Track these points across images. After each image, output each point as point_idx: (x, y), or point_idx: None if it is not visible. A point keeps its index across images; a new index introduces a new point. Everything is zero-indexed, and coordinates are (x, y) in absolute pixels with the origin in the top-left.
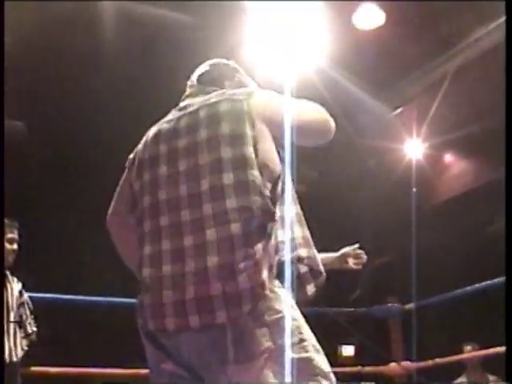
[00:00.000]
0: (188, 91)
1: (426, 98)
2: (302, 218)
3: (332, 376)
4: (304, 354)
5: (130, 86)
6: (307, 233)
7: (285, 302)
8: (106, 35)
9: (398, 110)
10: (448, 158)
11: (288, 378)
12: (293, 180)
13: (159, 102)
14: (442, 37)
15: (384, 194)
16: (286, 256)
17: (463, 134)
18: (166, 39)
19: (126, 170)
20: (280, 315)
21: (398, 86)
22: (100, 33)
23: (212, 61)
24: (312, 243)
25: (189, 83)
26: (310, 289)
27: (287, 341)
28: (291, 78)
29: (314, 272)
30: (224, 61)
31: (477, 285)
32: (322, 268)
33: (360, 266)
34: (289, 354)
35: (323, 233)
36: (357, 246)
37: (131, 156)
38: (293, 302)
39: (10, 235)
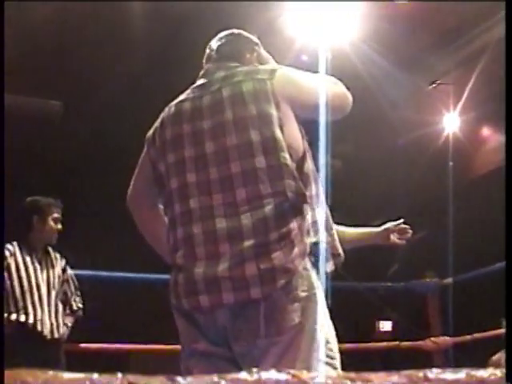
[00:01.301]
0: (207, 66)
1: (463, 71)
2: (323, 199)
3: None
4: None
5: (167, 64)
6: (327, 214)
7: (317, 280)
8: (139, 12)
9: (434, 84)
10: (485, 131)
11: (313, 357)
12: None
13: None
14: (479, 9)
15: (421, 168)
16: (317, 237)
17: (500, 107)
18: (205, 14)
19: (146, 149)
20: (312, 291)
21: (433, 60)
22: (134, 11)
23: (231, 31)
24: (331, 225)
25: (207, 54)
26: (329, 267)
27: (318, 318)
28: (326, 50)
29: (333, 253)
30: (244, 33)
31: None
32: (340, 250)
33: (404, 242)
34: (319, 334)
35: (360, 207)
36: (401, 221)
37: (149, 134)
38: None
39: (55, 215)
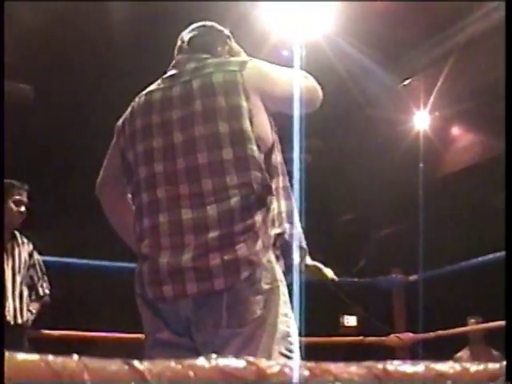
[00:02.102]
0: (178, 57)
1: (434, 70)
2: (290, 192)
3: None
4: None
5: (139, 53)
6: (292, 207)
7: (280, 273)
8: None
9: (406, 82)
10: (455, 130)
11: (273, 350)
12: (286, 156)
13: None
14: (451, 10)
15: (391, 164)
16: (282, 228)
17: (470, 107)
18: (177, 8)
19: (115, 138)
20: (276, 284)
21: (406, 58)
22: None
23: (204, 23)
24: (297, 217)
25: (178, 45)
26: (294, 260)
27: (280, 311)
28: (301, 45)
29: (296, 245)
30: (217, 25)
31: (480, 258)
32: (303, 243)
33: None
34: (280, 327)
35: (329, 203)
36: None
37: (119, 123)
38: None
39: (17, 197)
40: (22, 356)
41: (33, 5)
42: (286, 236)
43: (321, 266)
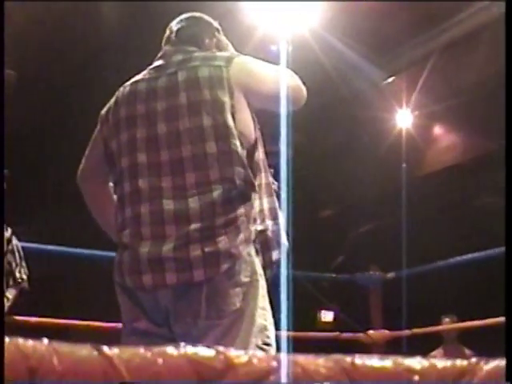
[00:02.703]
0: (165, 48)
1: (417, 69)
2: (271, 188)
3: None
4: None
5: (125, 41)
6: (275, 204)
7: (259, 267)
8: None
9: (389, 80)
10: (437, 129)
11: (250, 342)
12: (268, 149)
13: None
14: (434, 11)
15: (372, 162)
16: (264, 225)
17: (453, 106)
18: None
19: (99, 126)
20: (255, 277)
21: (389, 56)
22: None
23: (193, 14)
24: (278, 214)
25: (166, 36)
26: (275, 255)
27: (258, 304)
28: (286, 39)
29: (278, 241)
30: (206, 17)
31: (458, 257)
32: (284, 239)
33: None
34: (258, 320)
35: (311, 198)
36: None
37: (103, 112)
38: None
39: None
40: None
41: None
42: (269, 233)
43: None
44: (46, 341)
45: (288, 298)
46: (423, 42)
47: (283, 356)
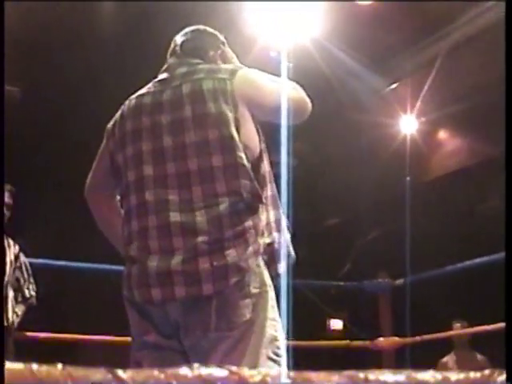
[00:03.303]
0: (170, 61)
1: (421, 74)
2: (277, 199)
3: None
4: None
5: (126, 58)
6: (280, 216)
7: (268, 278)
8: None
9: (393, 86)
10: (442, 134)
11: (261, 353)
12: (271, 160)
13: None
14: (437, 14)
15: (377, 169)
16: (271, 237)
17: (457, 112)
18: (165, 10)
19: (105, 141)
20: (264, 289)
21: (392, 62)
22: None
23: (197, 27)
24: (284, 225)
25: (171, 49)
26: (281, 267)
27: (268, 315)
28: (288, 48)
29: (284, 253)
30: (210, 30)
31: (467, 262)
32: (291, 251)
33: None
34: (268, 331)
35: (315, 206)
36: None
37: (109, 126)
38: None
39: None
40: (7, 365)
41: (17, 6)
42: (276, 245)
43: None
44: (60, 365)
45: (295, 308)
46: (427, 46)
47: (297, 373)
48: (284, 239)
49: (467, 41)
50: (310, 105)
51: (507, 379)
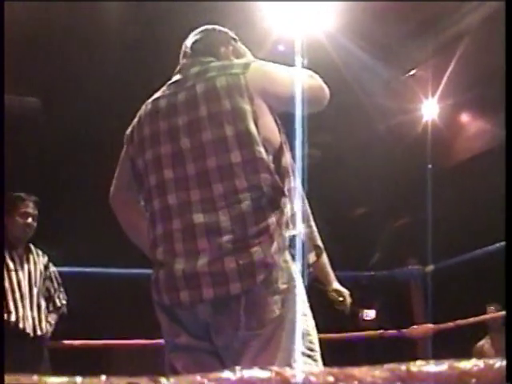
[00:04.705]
0: (182, 62)
1: (441, 58)
2: (302, 192)
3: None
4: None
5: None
6: (305, 206)
7: (296, 272)
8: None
9: (412, 72)
10: (464, 118)
11: (294, 349)
12: (292, 152)
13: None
14: None
15: (400, 156)
16: (296, 230)
17: (478, 95)
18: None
19: (125, 147)
20: (292, 283)
21: (411, 48)
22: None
23: (206, 27)
24: (310, 217)
25: (183, 51)
26: (311, 257)
27: (298, 310)
28: (302, 41)
29: (312, 244)
30: (219, 27)
31: (497, 244)
32: (319, 241)
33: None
34: (299, 326)
35: (339, 197)
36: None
37: (128, 132)
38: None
39: (22, 209)
40: (51, 380)
41: (34, 17)
42: (302, 237)
43: (346, 293)
44: (103, 377)
45: (324, 300)
46: (444, 29)
47: (338, 370)
48: (311, 230)
49: (489, 20)
50: (327, 92)
51: (507, 379)
